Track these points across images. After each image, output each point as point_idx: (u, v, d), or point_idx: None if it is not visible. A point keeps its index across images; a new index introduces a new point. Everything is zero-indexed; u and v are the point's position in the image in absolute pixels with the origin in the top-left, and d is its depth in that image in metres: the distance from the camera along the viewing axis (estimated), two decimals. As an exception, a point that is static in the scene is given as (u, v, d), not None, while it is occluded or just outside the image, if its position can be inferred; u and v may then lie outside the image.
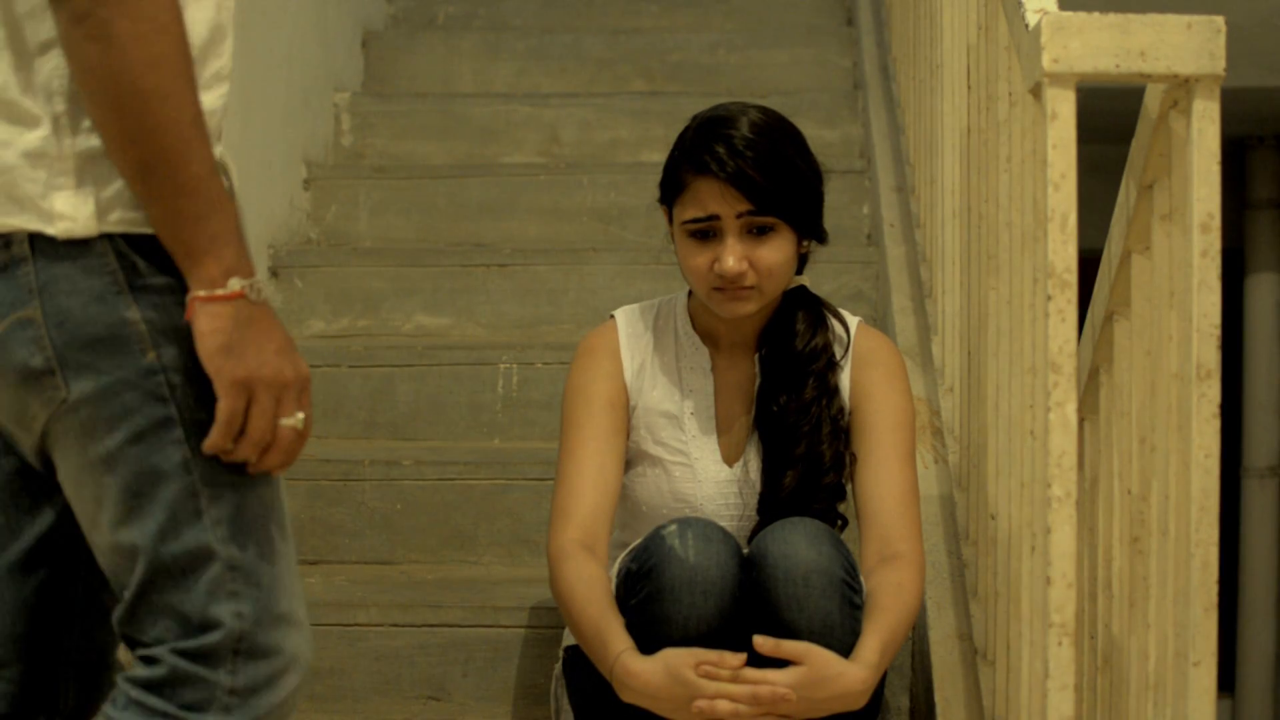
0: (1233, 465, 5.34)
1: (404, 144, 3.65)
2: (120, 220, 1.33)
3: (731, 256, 1.86)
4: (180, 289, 1.33)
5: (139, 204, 1.33)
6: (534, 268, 3.14)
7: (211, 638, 1.34)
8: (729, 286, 1.88)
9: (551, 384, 2.83)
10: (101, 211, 1.32)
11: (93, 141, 1.33)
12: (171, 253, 1.32)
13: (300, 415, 1.36)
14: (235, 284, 1.32)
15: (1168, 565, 1.54)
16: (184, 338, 1.33)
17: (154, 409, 1.33)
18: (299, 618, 1.39)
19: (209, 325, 1.32)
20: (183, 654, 1.34)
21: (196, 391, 1.33)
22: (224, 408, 1.32)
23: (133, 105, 1.28)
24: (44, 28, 1.33)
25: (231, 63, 1.42)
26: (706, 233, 1.88)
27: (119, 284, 1.33)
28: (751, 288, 1.89)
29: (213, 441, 1.32)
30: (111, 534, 1.35)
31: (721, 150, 1.85)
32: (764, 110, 1.91)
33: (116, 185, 1.33)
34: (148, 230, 1.33)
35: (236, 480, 1.35)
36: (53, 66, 1.33)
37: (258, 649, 1.35)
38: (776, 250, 1.88)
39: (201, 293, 1.32)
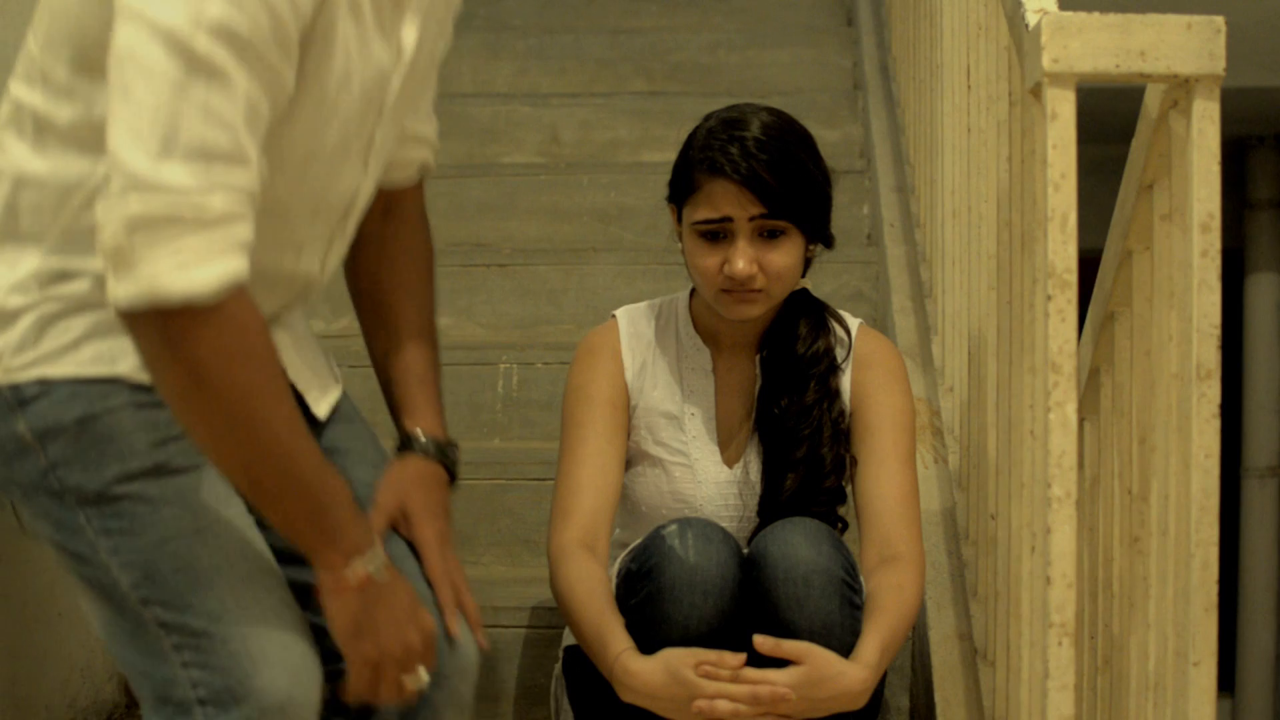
0: (1233, 465, 5.34)
1: (404, 144, 3.64)
2: (3, 369, 1.43)
3: (742, 259, 1.86)
4: (54, 381, 1.42)
5: (22, 349, 1.42)
6: (534, 268, 3.14)
7: (173, 692, 1.39)
8: (737, 289, 1.88)
9: (551, 384, 2.82)
10: None
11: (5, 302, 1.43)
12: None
13: (423, 673, 1.44)
14: (359, 567, 1.39)
15: (1168, 565, 1.53)
16: (62, 430, 1.42)
17: (56, 507, 1.42)
18: (269, 655, 1.40)
19: (338, 610, 1.40)
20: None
21: (83, 472, 1.41)
22: (354, 679, 1.41)
23: (230, 434, 1.32)
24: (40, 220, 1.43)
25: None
26: (717, 234, 1.88)
27: (8, 401, 1.42)
28: (759, 290, 1.88)
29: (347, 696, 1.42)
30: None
31: (735, 152, 1.84)
32: (775, 112, 1.91)
33: (3, 339, 1.43)
34: (24, 377, 1.42)
35: (142, 543, 1.40)
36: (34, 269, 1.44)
37: (225, 694, 1.38)
38: (786, 254, 1.88)
39: (328, 579, 1.39)
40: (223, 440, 1.32)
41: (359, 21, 1.42)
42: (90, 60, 1.36)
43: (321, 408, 1.63)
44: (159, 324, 1.27)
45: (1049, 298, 1.48)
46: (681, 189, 1.92)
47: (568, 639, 1.98)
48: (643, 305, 2.06)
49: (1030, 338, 1.61)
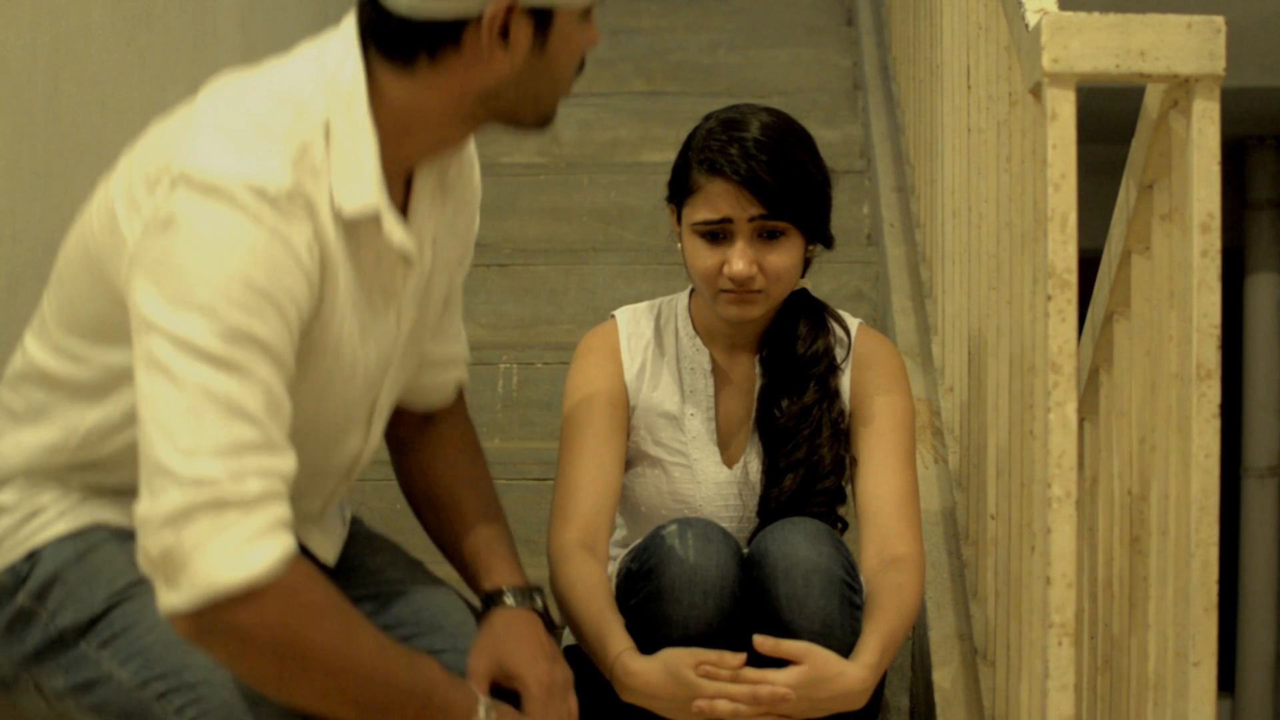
0: (1233, 465, 5.34)
1: (404, 144, 3.64)
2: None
3: (741, 260, 1.86)
4: (40, 547, 1.50)
5: (14, 532, 1.51)
6: (534, 268, 3.14)
7: None
8: (737, 289, 1.88)
9: (551, 384, 2.82)
10: None
11: None
12: None
13: None
14: (482, 713, 1.48)
15: (1168, 565, 1.53)
16: (54, 578, 1.48)
17: (63, 653, 1.47)
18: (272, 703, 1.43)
19: None
20: None
21: (77, 607, 1.47)
22: None
23: (330, 685, 1.37)
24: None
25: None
26: (717, 234, 1.88)
27: (7, 587, 1.49)
28: (759, 291, 1.88)
29: None
30: None
31: (735, 152, 1.84)
32: (774, 113, 1.90)
33: None
34: (15, 556, 1.50)
35: (135, 634, 1.44)
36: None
37: None
38: (786, 255, 1.88)
39: None
40: (327, 692, 1.37)
41: (357, 312, 1.49)
42: (96, 332, 1.46)
43: (329, 555, 1.68)
44: (223, 618, 1.31)
45: (1049, 298, 1.48)
46: (681, 189, 1.92)
47: (567, 639, 1.98)
48: (642, 305, 2.06)
49: (1030, 338, 1.61)
